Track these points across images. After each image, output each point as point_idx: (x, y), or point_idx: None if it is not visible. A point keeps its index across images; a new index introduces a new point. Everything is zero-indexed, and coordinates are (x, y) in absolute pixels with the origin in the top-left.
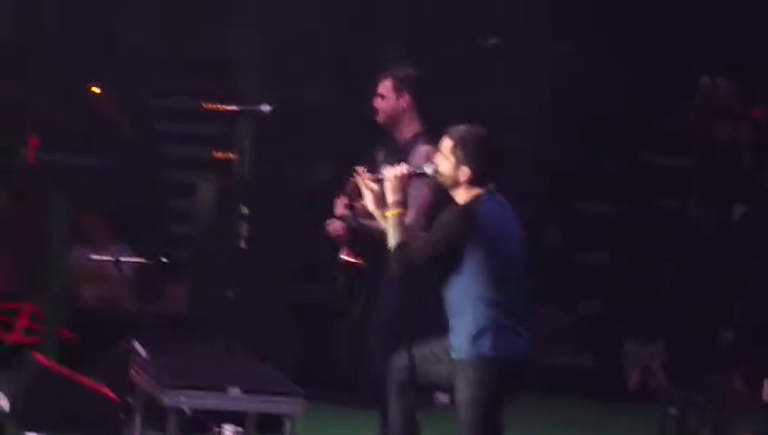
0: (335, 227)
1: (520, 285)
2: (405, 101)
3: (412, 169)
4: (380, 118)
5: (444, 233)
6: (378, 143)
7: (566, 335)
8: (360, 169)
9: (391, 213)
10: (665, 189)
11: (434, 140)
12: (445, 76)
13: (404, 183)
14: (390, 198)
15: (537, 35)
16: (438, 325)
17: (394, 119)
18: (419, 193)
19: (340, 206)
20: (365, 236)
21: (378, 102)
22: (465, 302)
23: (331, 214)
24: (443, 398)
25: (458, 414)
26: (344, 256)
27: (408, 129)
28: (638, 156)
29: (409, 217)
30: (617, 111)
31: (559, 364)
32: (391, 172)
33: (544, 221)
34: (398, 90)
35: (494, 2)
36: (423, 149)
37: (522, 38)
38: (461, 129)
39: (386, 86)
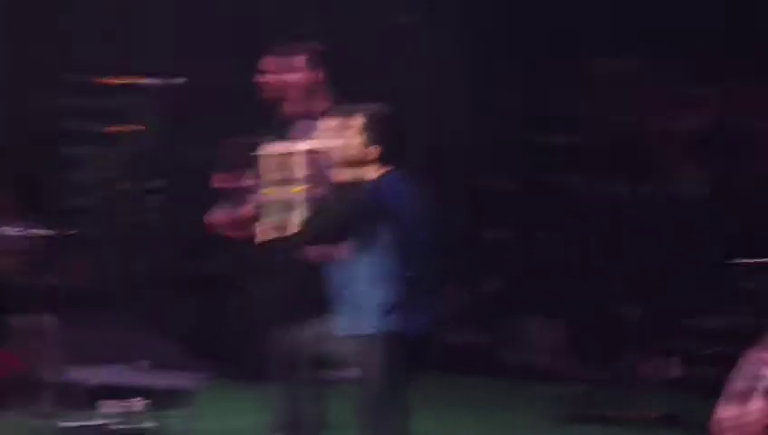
0: (217, 217)
1: (425, 261)
2: (319, 76)
3: (320, 146)
4: (292, 93)
5: (351, 210)
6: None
7: (467, 313)
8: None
9: (299, 188)
10: (563, 167)
11: (338, 117)
12: (352, 53)
13: (312, 160)
14: (299, 173)
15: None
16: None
17: (308, 93)
18: (323, 168)
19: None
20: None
21: (288, 77)
22: (369, 278)
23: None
24: (341, 374)
25: (360, 390)
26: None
27: (317, 104)
28: (536, 133)
29: (318, 192)
30: (515, 89)
31: (460, 342)
32: (301, 147)
33: (445, 198)
34: (313, 64)
35: None
36: (329, 123)
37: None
38: (371, 108)
39: (300, 60)
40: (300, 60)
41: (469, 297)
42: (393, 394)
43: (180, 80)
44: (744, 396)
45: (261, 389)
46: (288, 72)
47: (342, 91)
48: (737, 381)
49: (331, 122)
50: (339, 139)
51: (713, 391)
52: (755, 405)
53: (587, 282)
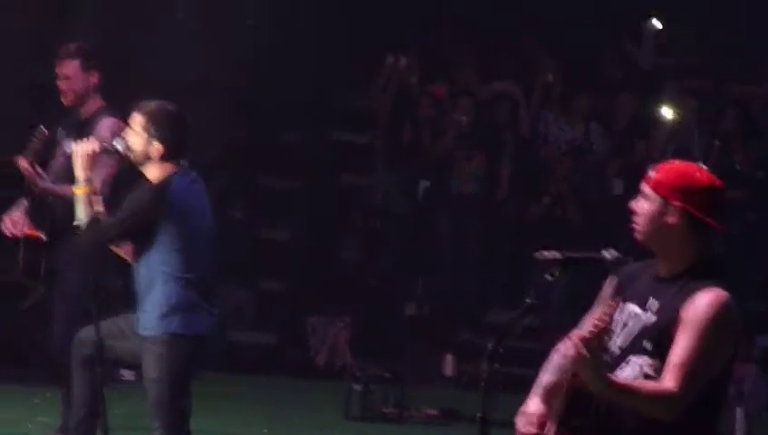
0: (6, 225)
1: (209, 261)
2: (94, 78)
3: (102, 145)
4: (67, 98)
5: (136, 209)
6: (55, 119)
7: (248, 312)
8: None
9: (80, 189)
10: (350, 166)
11: (118, 115)
12: (136, 50)
13: (94, 159)
14: (80, 174)
15: (234, 13)
16: (125, 301)
17: (82, 97)
18: (103, 166)
19: (24, 162)
20: (46, 207)
21: (64, 83)
22: (154, 278)
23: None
24: (128, 374)
25: (147, 390)
26: (26, 230)
27: (93, 103)
28: (323, 132)
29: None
30: (304, 88)
31: (242, 342)
32: (81, 148)
33: (228, 197)
34: (85, 68)
35: None
36: (107, 121)
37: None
38: (151, 104)
39: (73, 66)
40: (72, 66)
41: (252, 296)
42: (176, 394)
43: None
44: (550, 390)
45: (47, 389)
46: (65, 77)
47: (135, 90)
48: (544, 375)
49: (107, 120)
50: (119, 138)
51: (494, 386)
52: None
53: (371, 281)
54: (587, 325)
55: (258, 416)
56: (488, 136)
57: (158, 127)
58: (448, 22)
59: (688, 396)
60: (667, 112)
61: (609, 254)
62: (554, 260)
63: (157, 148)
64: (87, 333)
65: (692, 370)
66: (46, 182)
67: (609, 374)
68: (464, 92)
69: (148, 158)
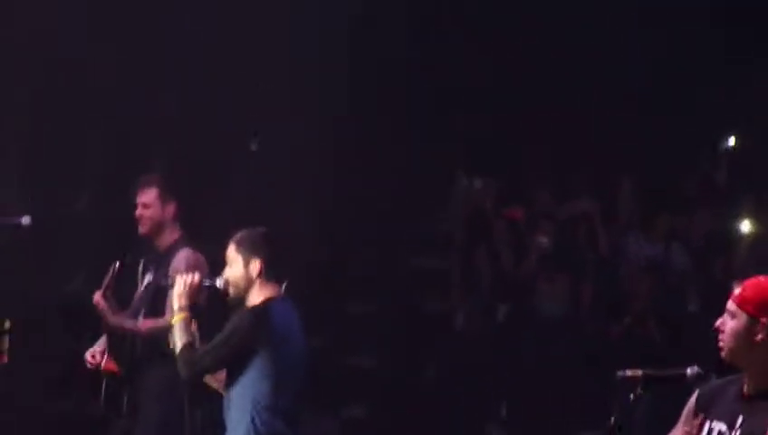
0: (88, 359)
1: (298, 391)
2: (171, 208)
3: (204, 280)
4: (144, 227)
5: (233, 334)
6: (134, 250)
7: None
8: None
9: (178, 317)
10: (429, 292)
11: (194, 247)
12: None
13: (196, 290)
14: (177, 303)
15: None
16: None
17: (160, 227)
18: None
19: (97, 297)
20: (126, 342)
21: (141, 211)
22: (243, 405)
23: (88, 321)
24: None
25: None
26: (105, 365)
27: (171, 235)
28: (402, 258)
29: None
30: (384, 214)
31: None
32: (185, 280)
33: (312, 323)
34: (163, 198)
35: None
36: (183, 253)
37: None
38: (241, 232)
39: (151, 195)
40: (150, 194)
41: (335, 424)
42: None
43: (27, 218)
44: None
45: None
46: (143, 205)
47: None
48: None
49: (182, 251)
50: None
51: None
52: None
53: (451, 404)
54: None
55: None
56: (569, 257)
57: (252, 245)
58: (523, 143)
59: None
60: (745, 226)
61: (691, 370)
62: (636, 378)
63: (256, 265)
64: None
65: None
66: (118, 317)
67: None
68: (543, 214)
69: (249, 280)
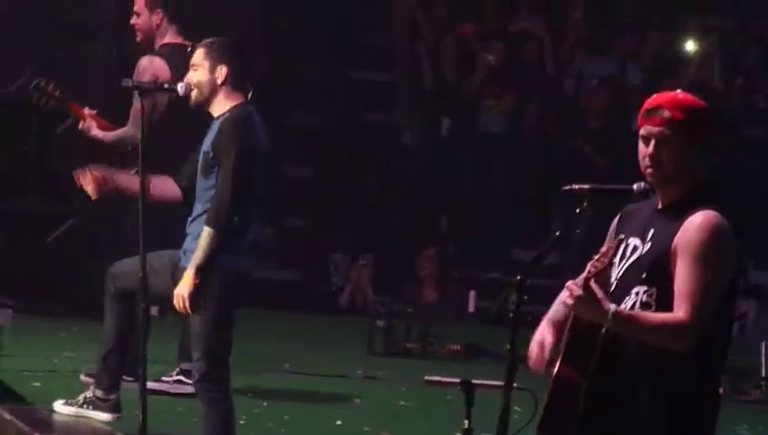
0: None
1: (261, 199)
2: (157, 17)
3: (165, 84)
4: (138, 36)
5: (240, 150)
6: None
7: (272, 250)
8: None
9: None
10: (372, 104)
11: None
12: None
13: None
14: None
15: None
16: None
17: (148, 35)
18: (134, 106)
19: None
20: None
21: (134, 20)
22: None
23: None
24: (153, 310)
25: (191, 323)
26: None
27: (159, 42)
28: (344, 70)
29: (124, 131)
30: (326, 25)
31: (265, 278)
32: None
33: None
34: (150, 6)
35: None
36: (143, 61)
37: None
38: (212, 39)
39: (139, 3)
40: (138, 2)
41: (275, 234)
42: (219, 329)
43: None
44: (557, 323)
45: (75, 325)
46: (135, 14)
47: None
48: (552, 309)
49: (143, 60)
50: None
51: (514, 322)
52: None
53: (390, 217)
54: (589, 265)
55: (282, 351)
56: (517, 75)
57: (220, 52)
58: None
59: (699, 323)
60: (690, 47)
61: (637, 186)
62: (583, 191)
63: (222, 71)
64: (126, 267)
65: (698, 296)
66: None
67: (617, 308)
68: (494, 33)
69: (215, 86)
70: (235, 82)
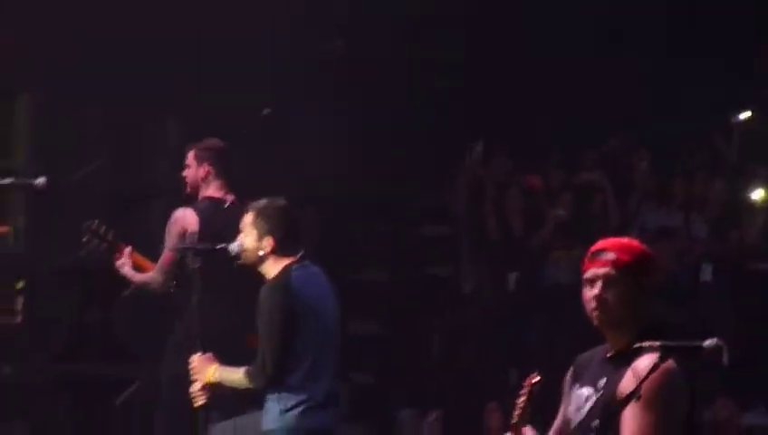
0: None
1: (332, 355)
2: (203, 170)
3: (219, 245)
4: (187, 187)
5: (272, 313)
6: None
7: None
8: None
9: (215, 376)
10: (435, 258)
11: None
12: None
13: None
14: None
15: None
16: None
17: (195, 187)
18: (163, 254)
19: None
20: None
21: (185, 172)
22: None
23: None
24: None
25: None
26: None
27: (203, 195)
28: (405, 225)
29: (150, 277)
30: (383, 184)
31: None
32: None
33: None
34: (198, 160)
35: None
36: (177, 212)
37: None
38: (261, 201)
39: (189, 157)
40: (189, 156)
41: (344, 389)
42: None
43: (42, 180)
44: None
45: None
46: (186, 166)
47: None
48: None
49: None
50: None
51: None
52: None
53: (458, 373)
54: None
55: None
56: (582, 228)
57: (268, 221)
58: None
59: None
60: (758, 196)
61: (709, 342)
62: (654, 349)
63: (268, 242)
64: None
65: None
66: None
67: None
68: (563, 185)
69: (260, 257)
70: (281, 251)
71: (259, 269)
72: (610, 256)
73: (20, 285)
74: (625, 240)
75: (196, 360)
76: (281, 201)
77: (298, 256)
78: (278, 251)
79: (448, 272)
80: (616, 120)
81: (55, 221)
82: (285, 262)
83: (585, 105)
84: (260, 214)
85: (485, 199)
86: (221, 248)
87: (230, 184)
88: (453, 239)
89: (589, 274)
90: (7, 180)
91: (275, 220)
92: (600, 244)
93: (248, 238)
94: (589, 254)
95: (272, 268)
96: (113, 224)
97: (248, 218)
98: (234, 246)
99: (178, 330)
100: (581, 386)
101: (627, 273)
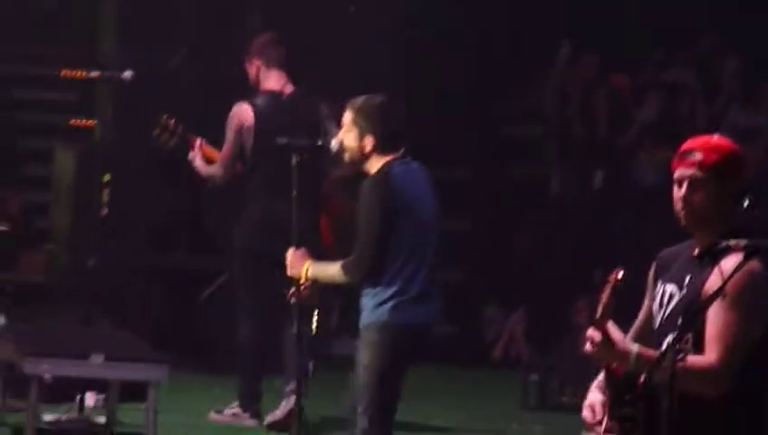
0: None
1: (428, 252)
2: (254, 66)
3: (318, 140)
4: (250, 78)
5: (370, 211)
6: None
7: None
8: None
9: (307, 273)
10: (521, 157)
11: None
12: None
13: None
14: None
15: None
16: None
17: (255, 83)
18: (224, 147)
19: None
20: None
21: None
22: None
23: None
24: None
25: (357, 376)
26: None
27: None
28: (494, 125)
29: (214, 170)
30: (471, 80)
31: None
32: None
33: None
34: (249, 57)
35: None
36: (234, 108)
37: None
38: (359, 99)
39: (249, 49)
40: (249, 49)
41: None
42: (384, 381)
43: (129, 73)
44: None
45: (226, 380)
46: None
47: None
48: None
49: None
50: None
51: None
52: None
53: (543, 271)
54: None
55: (434, 406)
56: (671, 129)
57: (368, 120)
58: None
59: (730, 368)
60: None
61: None
62: (739, 248)
63: (369, 141)
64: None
65: (729, 341)
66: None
67: (640, 349)
68: (650, 85)
69: (363, 153)
70: (383, 149)
71: (362, 167)
72: (698, 156)
73: (107, 177)
74: (714, 139)
75: (290, 256)
76: (379, 98)
77: (400, 153)
78: (379, 149)
79: (533, 170)
80: (705, 22)
81: (142, 113)
82: (387, 159)
83: (675, 5)
84: (359, 112)
85: (572, 100)
86: (323, 145)
87: (290, 74)
88: (541, 140)
89: (677, 174)
90: (95, 73)
91: (375, 118)
92: (688, 143)
93: (349, 136)
94: (678, 153)
95: (374, 166)
96: (197, 115)
97: (348, 117)
98: (333, 144)
99: (242, 222)
100: (665, 283)
101: (713, 174)
